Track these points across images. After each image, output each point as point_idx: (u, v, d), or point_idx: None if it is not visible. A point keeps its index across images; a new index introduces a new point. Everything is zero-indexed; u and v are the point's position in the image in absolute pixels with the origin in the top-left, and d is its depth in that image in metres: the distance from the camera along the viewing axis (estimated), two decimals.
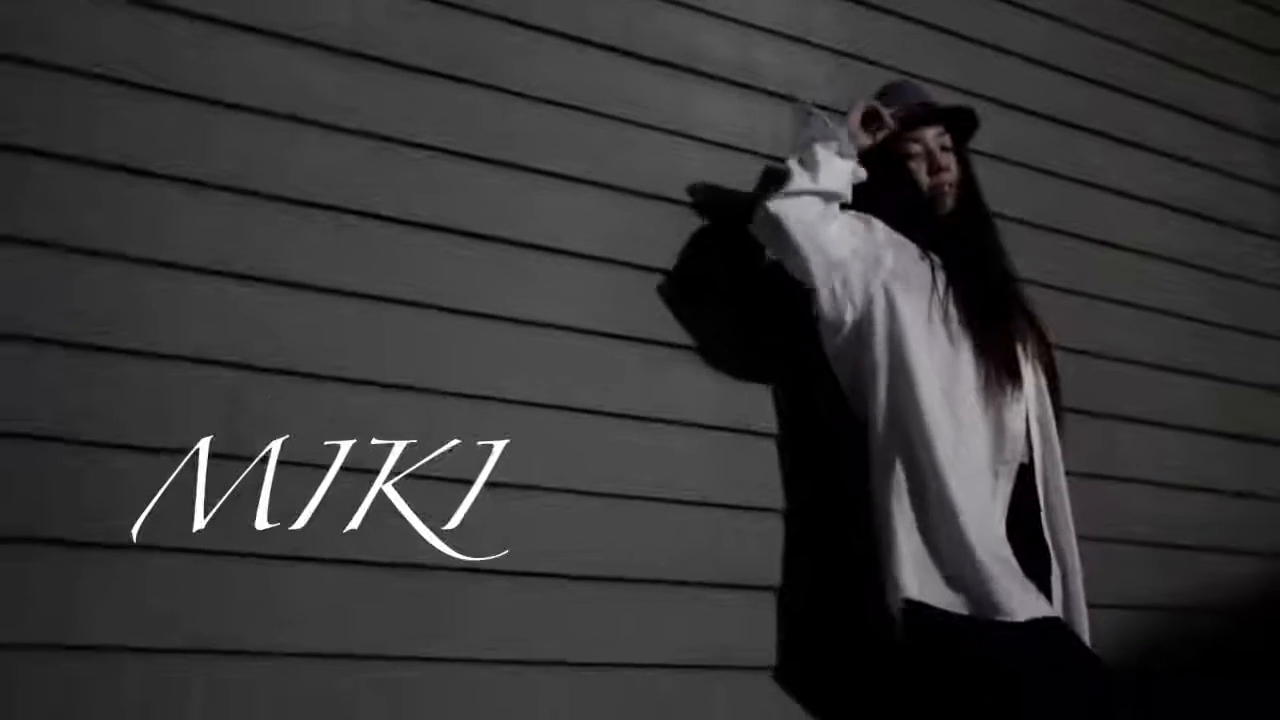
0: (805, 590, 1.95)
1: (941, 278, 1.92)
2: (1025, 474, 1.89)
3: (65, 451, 1.52)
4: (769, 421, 2.01)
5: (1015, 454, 1.87)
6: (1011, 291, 2.03)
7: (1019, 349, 1.94)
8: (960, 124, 2.06)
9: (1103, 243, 2.56)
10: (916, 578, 1.77)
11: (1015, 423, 1.88)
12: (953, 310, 1.89)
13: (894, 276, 1.91)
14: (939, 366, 1.86)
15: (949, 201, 2.02)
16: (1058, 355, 2.11)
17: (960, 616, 1.71)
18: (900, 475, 1.84)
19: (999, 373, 1.87)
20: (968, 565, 1.74)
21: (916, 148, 2.02)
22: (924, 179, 2.01)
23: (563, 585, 1.77)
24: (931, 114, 2.04)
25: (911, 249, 1.96)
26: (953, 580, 1.74)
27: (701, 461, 1.93)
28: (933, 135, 2.03)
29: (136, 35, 1.67)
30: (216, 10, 1.72)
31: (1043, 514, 1.89)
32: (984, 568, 1.72)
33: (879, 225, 1.98)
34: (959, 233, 2.00)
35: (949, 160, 2.03)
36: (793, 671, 1.91)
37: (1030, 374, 1.97)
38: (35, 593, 1.47)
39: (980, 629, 1.69)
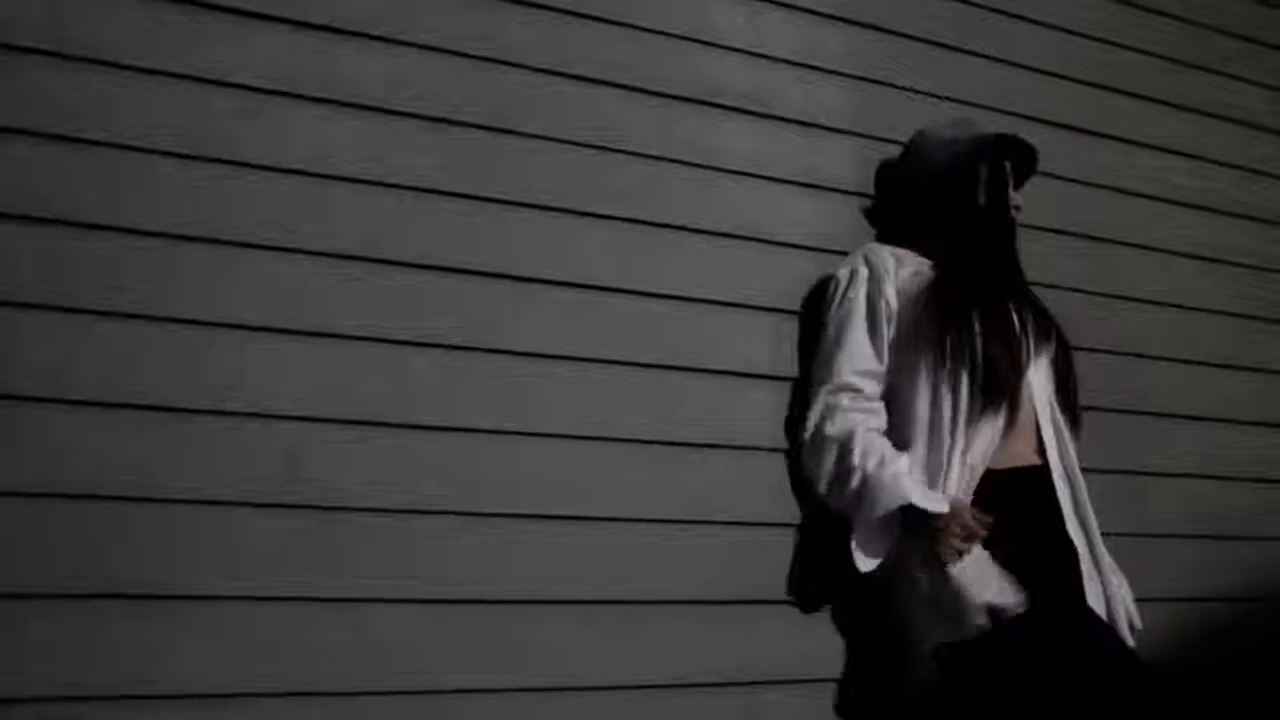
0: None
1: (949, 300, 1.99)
2: (1043, 476, 1.96)
3: (142, 509, 1.59)
4: None
5: (1029, 459, 1.96)
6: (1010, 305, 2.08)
7: (1022, 357, 1.99)
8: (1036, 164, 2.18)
9: (1128, 244, 2.60)
10: (931, 620, 1.86)
11: (1024, 433, 1.97)
12: (955, 334, 1.95)
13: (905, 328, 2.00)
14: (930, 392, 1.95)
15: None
16: (1091, 357, 2.21)
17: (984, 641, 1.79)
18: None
19: (994, 391, 1.93)
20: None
21: (995, 179, 2.12)
22: (1011, 207, 2.12)
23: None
24: (1020, 145, 2.15)
25: (914, 267, 2.04)
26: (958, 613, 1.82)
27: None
28: (1008, 169, 2.13)
29: (184, 108, 1.73)
30: (257, 81, 1.79)
31: (1066, 513, 1.94)
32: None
33: (880, 257, 2.05)
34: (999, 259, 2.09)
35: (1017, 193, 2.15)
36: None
37: (1042, 379, 2.03)
38: (120, 647, 1.54)
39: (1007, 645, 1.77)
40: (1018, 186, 2.17)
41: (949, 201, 2.13)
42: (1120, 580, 2.00)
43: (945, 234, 2.10)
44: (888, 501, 1.85)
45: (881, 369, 1.99)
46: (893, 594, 1.93)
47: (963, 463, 1.90)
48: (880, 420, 1.97)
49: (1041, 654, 1.75)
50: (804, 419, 1.99)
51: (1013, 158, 2.15)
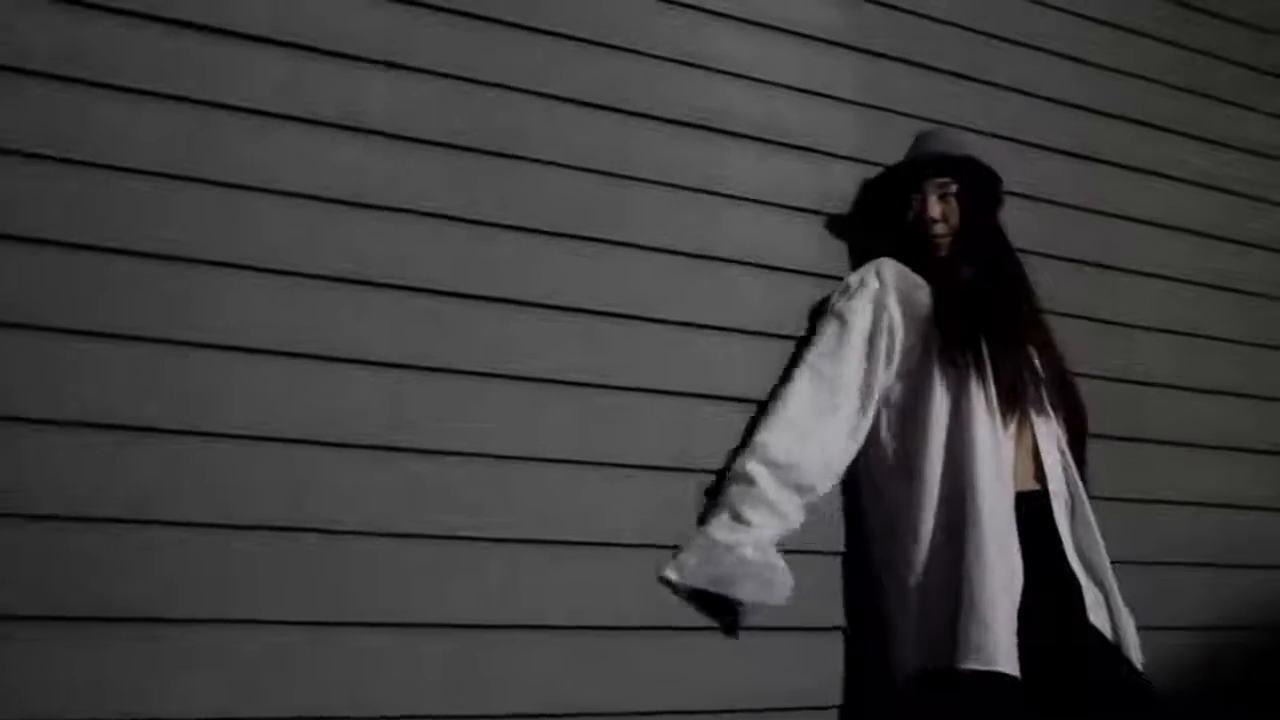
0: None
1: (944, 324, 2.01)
2: (1044, 503, 1.96)
3: (144, 531, 1.61)
4: None
5: (1028, 484, 1.95)
6: (1018, 330, 2.08)
7: (1026, 385, 2.00)
8: (971, 175, 2.15)
9: (1137, 272, 2.60)
10: (923, 645, 1.86)
11: (1024, 457, 1.97)
12: (958, 358, 1.97)
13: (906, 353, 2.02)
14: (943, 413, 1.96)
15: (942, 248, 2.12)
16: (1098, 384, 2.23)
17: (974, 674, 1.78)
18: (901, 531, 1.94)
19: (1003, 410, 1.94)
20: (985, 614, 1.80)
21: (914, 197, 2.14)
22: (913, 225, 2.14)
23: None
24: (907, 168, 2.18)
25: (921, 289, 2.06)
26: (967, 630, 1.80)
27: None
28: (933, 185, 2.13)
29: (189, 131, 1.76)
30: (267, 105, 1.82)
31: (1066, 541, 1.94)
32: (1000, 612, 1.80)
33: (889, 273, 2.07)
34: (961, 272, 2.10)
35: (942, 209, 2.13)
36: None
37: (1047, 406, 2.03)
38: (126, 671, 1.56)
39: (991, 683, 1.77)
40: (985, 204, 2.16)
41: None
42: (1129, 622, 1.98)
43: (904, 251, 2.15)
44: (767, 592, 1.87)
45: (873, 381, 2.00)
46: (883, 619, 1.95)
47: (989, 481, 1.89)
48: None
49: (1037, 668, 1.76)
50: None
51: (939, 174, 2.13)
